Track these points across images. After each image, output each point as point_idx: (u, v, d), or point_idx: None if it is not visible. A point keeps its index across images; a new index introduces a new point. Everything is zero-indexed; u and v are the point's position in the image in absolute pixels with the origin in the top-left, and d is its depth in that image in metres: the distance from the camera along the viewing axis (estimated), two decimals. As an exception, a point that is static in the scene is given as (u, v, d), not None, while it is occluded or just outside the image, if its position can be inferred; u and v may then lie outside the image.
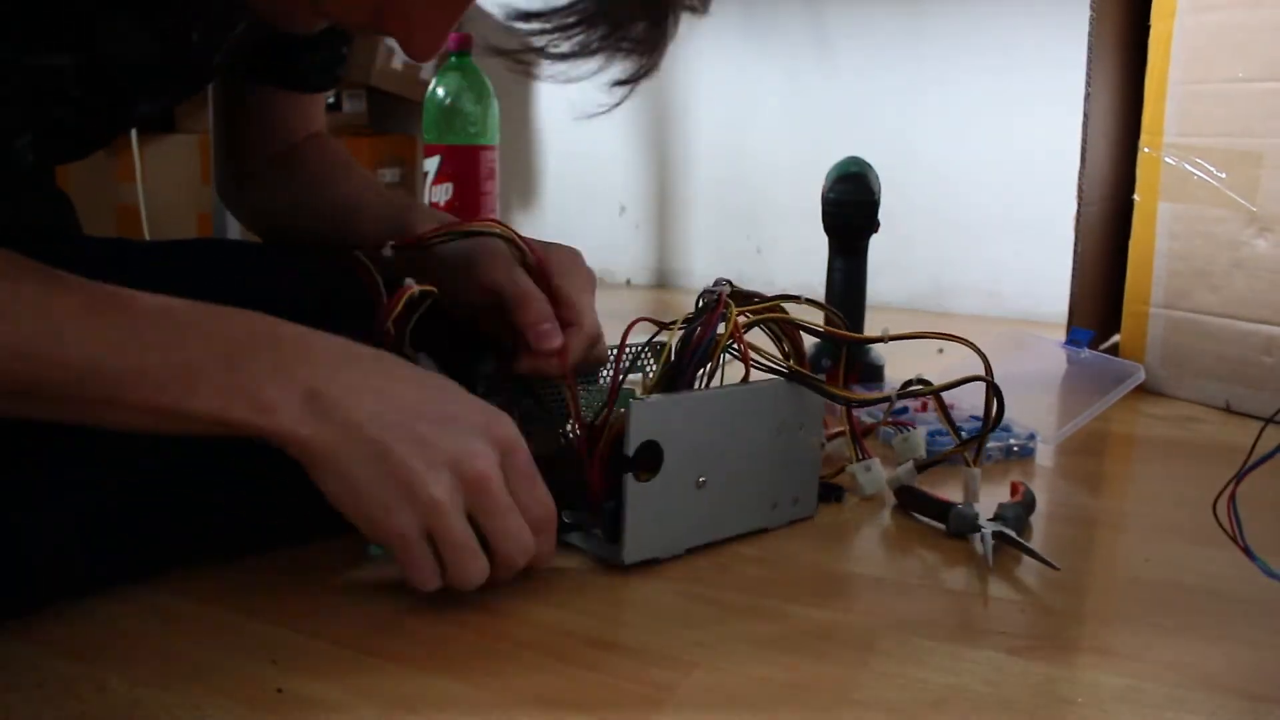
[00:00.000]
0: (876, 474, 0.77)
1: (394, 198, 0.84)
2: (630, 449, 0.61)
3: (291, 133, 0.87)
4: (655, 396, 0.63)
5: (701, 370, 0.67)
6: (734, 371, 0.69)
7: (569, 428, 0.69)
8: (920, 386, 0.73)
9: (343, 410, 0.53)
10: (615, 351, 0.72)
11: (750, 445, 0.68)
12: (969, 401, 0.87)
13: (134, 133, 1.75)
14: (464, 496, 0.54)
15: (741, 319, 0.68)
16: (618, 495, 0.62)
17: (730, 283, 0.69)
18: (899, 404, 0.97)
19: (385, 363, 0.57)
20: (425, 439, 0.54)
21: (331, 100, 1.96)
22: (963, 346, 0.73)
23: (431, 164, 1.44)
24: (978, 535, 0.69)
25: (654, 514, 0.64)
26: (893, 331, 0.74)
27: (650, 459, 0.63)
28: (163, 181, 1.85)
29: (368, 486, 0.53)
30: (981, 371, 0.70)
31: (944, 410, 0.73)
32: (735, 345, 0.67)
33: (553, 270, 0.69)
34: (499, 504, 0.55)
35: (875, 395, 0.72)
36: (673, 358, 0.66)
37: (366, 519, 0.54)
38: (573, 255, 0.72)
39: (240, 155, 0.89)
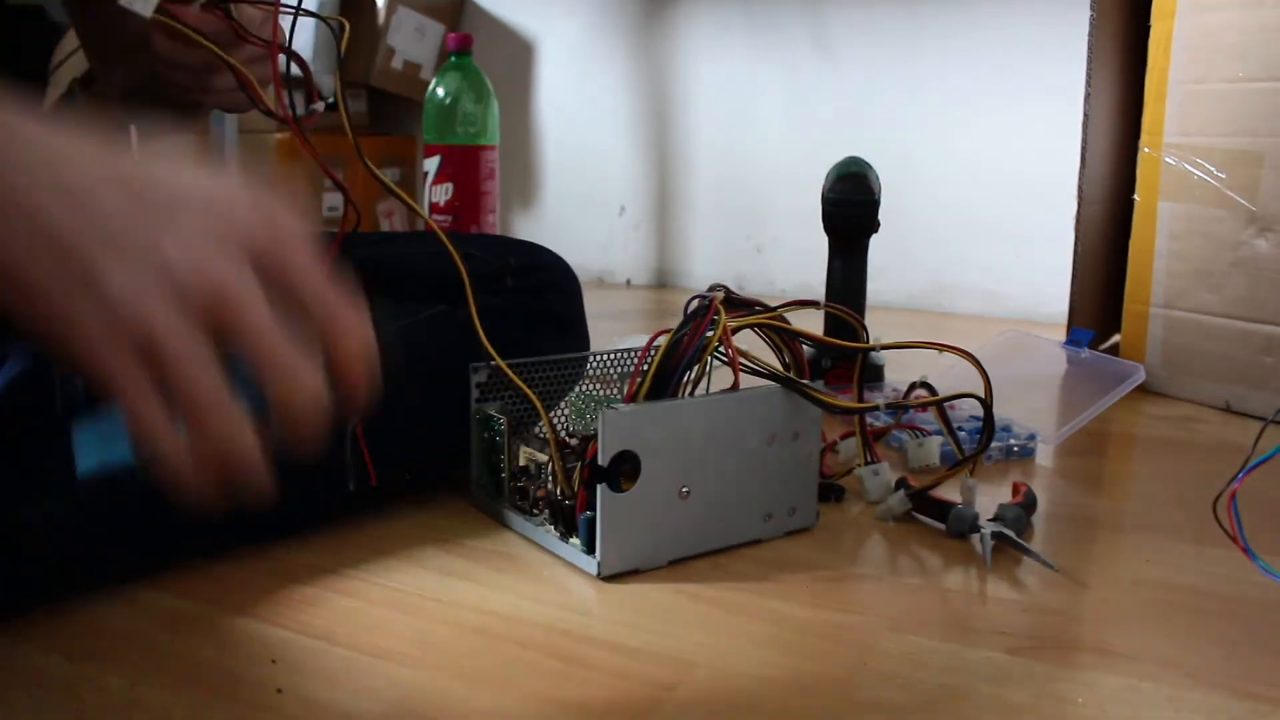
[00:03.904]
0: (885, 478, 0.77)
1: None
2: (604, 459, 0.60)
3: None
4: (631, 405, 0.62)
5: (687, 377, 0.66)
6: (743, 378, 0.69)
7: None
8: (922, 391, 0.73)
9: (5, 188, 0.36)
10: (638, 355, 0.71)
11: (740, 454, 0.67)
12: (968, 401, 0.87)
13: (134, 133, 1.75)
14: (199, 318, 0.38)
15: (733, 324, 0.67)
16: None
17: (726, 288, 0.68)
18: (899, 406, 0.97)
19: (79, 134, 0.39)
20: (128, 235, 0.37)
21: (331, 100, 1.96)
22: (966, 342, 0.73)
23: (431, 164, 1.44)
24: (977, 535, 0.69)
25: (633, 525, 0.63)
26: (890, 334, 0.74)
27: (632, 468, 0.62)
28: (163, 181, 1.85)
29: (45, 295, 0.36)
30: (979, 372, 0.70)
31: (946, 421, 0.72)
32: (724, 350, 0.66)
33: None
34: (252, 322, 0.38)
35: (866, 404, 0.72)
36: (658, 365, 0.65)
37: (45, 337, 0.37)
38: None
39: None
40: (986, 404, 0.70)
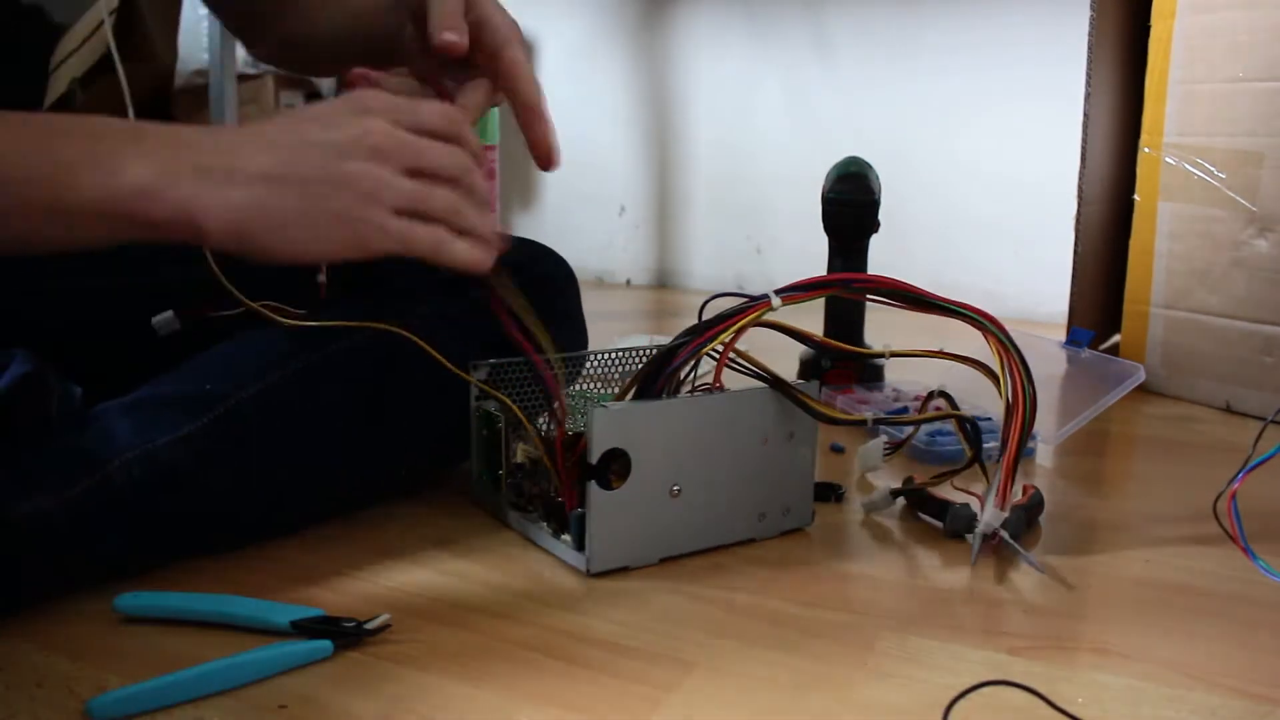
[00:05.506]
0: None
1: None
2: (594, 456, 0.61)
3: None
4: (621, 404, 0.62)
5: (687, 374, 0.66)
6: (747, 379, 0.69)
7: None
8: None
9: (239, 168, 0.53)
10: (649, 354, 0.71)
11: (733, 455, 0.66)
12: (971, 401, 0.87)
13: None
14: (390, 163, 0.56)
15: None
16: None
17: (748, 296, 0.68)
18: (898, 405, 0.97)
19: (241, 125, 0.57)
20: (321, 144, 0.54)
21: (332, 100, 1.96)
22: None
23: (431, 164, 1.43)
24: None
25: (623, 522, 0.63)
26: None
27: (623, 466, 0.62)
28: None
29: (316, 214, 0.54)
30: (985, 366, 0.70)
31: (963, 429, 0.72)
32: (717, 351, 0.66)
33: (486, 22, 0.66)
34: (419, 150, 0.57)
35: (856, 416, 0.72)
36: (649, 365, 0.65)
37: (345, 243, 0.55)
38: (511, 23, 0.69)
39: None
40: (963, 418, 0.69)
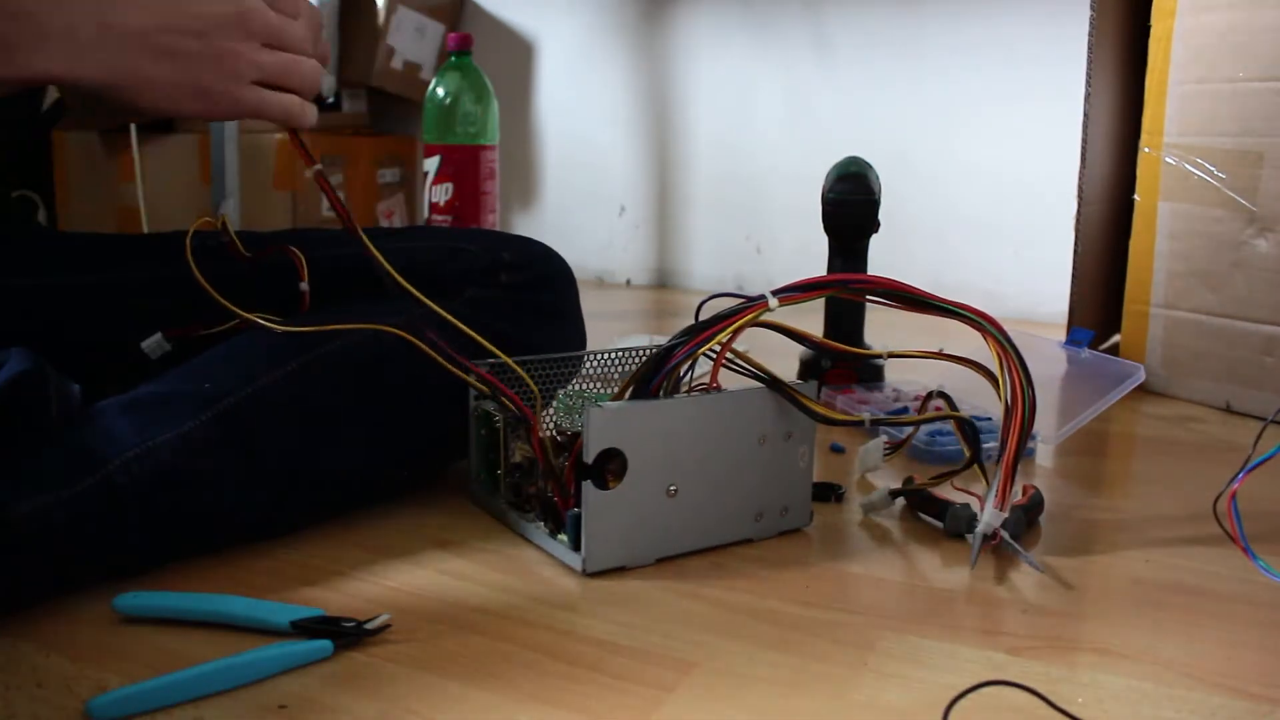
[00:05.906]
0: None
1: None
2: (589, 456, 0.61)
3: None
4: (618, 403, 0.62)
5: (685, 375, 0.66)
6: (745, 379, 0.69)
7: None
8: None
9: (113, 24, 0.58)
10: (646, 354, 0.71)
11: (730, 454, 0.66)
12: (971, 401, 0.87)
13: (134, 133, 1.75)
14: (256, 39, 0.63)
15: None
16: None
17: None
18: (898, 405, 0.97)
19: None
20: (199, 16, 0.61)
21: (331, 100, 1.96)
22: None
23: (431, 164, 1.44)
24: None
25: (619, 522, 0.63)
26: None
27: (619, 466, 0.62)
28: (163, 182, 1.85)
29: (181, 82, 0.61)
30: (983, 368, 0.70)
31: (961, 429, 0.72)
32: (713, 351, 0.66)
33: None
34: (284, 31, 0.65)
35: (852, 416, 0.72)
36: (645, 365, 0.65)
37: (200, 110, 0.62)
38: None
39: None
40: (962, 419, 0.69)
